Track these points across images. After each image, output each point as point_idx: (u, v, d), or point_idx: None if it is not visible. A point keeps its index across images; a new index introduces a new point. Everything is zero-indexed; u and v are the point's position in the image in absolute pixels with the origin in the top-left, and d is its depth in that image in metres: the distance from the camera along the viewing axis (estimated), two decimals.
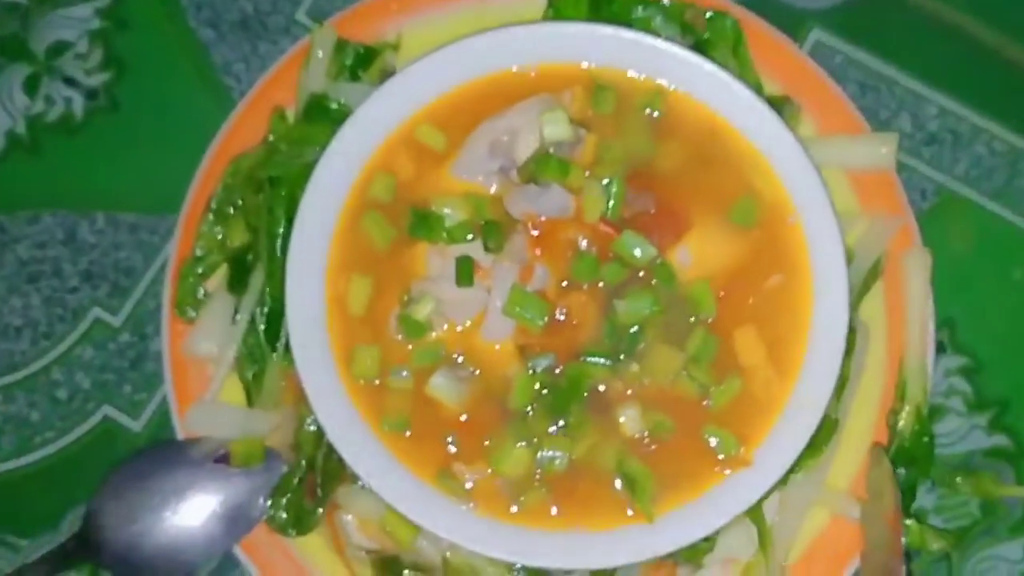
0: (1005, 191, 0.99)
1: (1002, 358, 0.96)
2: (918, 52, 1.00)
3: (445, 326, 0.82)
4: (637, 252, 0.81)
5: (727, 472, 0.80)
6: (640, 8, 0.91)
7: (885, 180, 0.92)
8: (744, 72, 0.91)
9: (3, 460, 0.93)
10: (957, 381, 0.95)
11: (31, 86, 1.00)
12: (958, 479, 0.92)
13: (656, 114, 0.85)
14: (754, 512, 0.85)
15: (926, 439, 0.88)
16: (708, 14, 0.92)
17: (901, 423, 0.88)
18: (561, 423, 0.81)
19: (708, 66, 0.85)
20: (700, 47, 0.90)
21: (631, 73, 0.86)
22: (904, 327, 0.90)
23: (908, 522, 0.86)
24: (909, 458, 0.88)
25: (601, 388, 0.81)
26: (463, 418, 0.82)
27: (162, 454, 0.86)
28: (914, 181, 0.98)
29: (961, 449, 0.94)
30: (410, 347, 0.82)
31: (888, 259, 0.91)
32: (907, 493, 0.88)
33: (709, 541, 0.85)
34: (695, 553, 0.85)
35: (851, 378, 0.88)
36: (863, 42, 1.01)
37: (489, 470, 0.80)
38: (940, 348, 0.95)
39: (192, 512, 0.85)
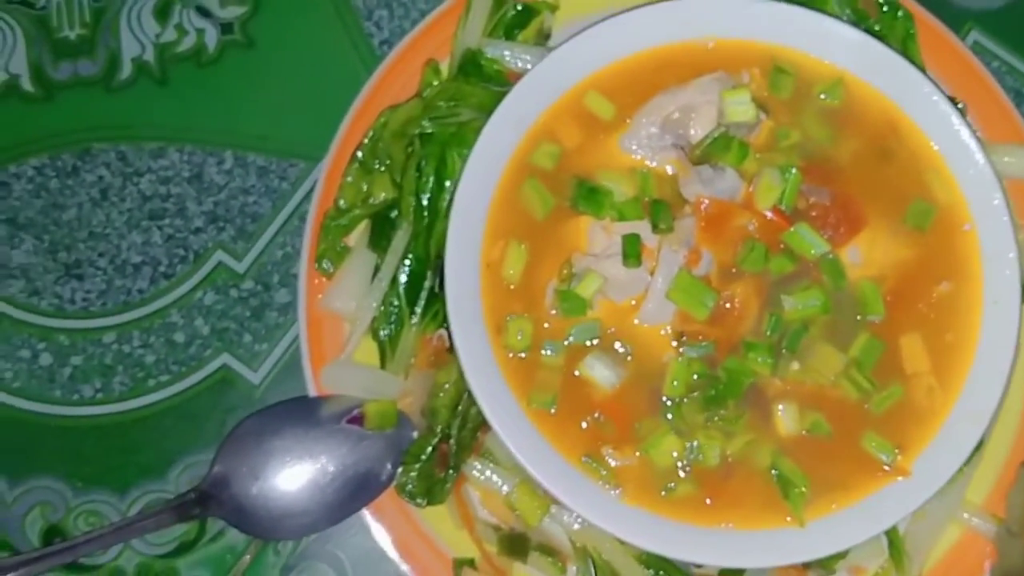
0: None
1: None
2: None
3: (601, 305, 0.80)
4: (809, 245, 0.78)
5: (884, 481, 0.78)
6: None
7: None
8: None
9: (113, 402, 0.90)
10: None
11: (162, 13, 0.96)
12: None
13: (835, 102, 0.82)
14: None
15: None
16: (882, 4, 0.89)
17: None
18: (717, 416, 0.78)
19: (893, 55, 0.81)
20: (873, 35, 0.87)
21: (812, 55, 0.82)
22: None
23: None
24: None
25: (759, 384, 0.79)
26: (613, 401, 0.79)
27: (292, 411, 0.83)
28: None
29: None
30: (564, 323, 0.79)
31: None
32: None
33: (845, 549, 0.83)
34: (830, 559, 0.83)
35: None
36: (1021, 47, 0.98)
37: (638, 454, 0.78)
38: None
39: (321, 474, 0.82)
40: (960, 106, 0.90)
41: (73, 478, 0.88)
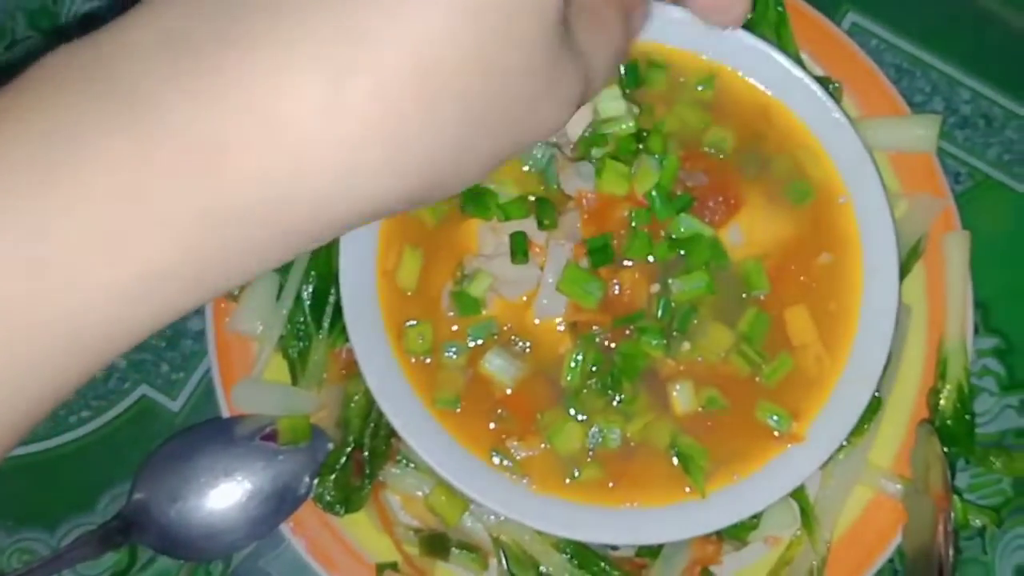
0: None
1: None
2: (952, 37, 1.01)
3: (496, 303, 0.82)
4: (690, 230, 0.81)
5: (779, 448, 0.80)
6: None
7: (926, 162, 0.93)
8: (787, 52, 0.91)
9: (37, 440, 0.91)
10: (990, 362, 0.96)
11: None
12: (991, 458, 0.93)
13: (709, 92, 0.85)
14: (797, 490, 0.86)
15: (967, 417, 0.89)
16: None
17: (943, 402, 0.89)
18: (614, 400, 0.81)
19: (760, 45, 0.85)
20: (745, 26, 0.90)
21: (683, 50, 0.86)
22: (944, 307, 0.91)
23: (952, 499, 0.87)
24: (951, 436, 0.88)
25: (653, 366, 0.81)
26: (514, 395, 0.81)
27: (207, 432, 0.85)
28: (948, 165, 0.99)
29: (994, 429, 0.95)
30: (458, 325, 0.82)
31: (928, 241, 0.92)
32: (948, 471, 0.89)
33: (754, 519, 0.86)
34: (740, 530, 0.86)
35: (892, 358, 0.89)
36: (897, 26, 1.02)
37: (543, 445, 0.80)
38: (974, 330, 0.96)
39: (239, 491, 0.84)
40: (836, 85, 0.94)
41: (3, 518, 0.90)
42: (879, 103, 0.95)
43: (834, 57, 0.95)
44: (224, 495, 0.83)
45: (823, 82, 0.92)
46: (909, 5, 1.02)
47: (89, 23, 0.99)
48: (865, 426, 0.87)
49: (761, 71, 0.86)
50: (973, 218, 0.96)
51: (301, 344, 0.87)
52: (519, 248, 0.80)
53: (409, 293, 0.82)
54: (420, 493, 0.86)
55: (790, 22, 0.93)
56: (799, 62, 0.92)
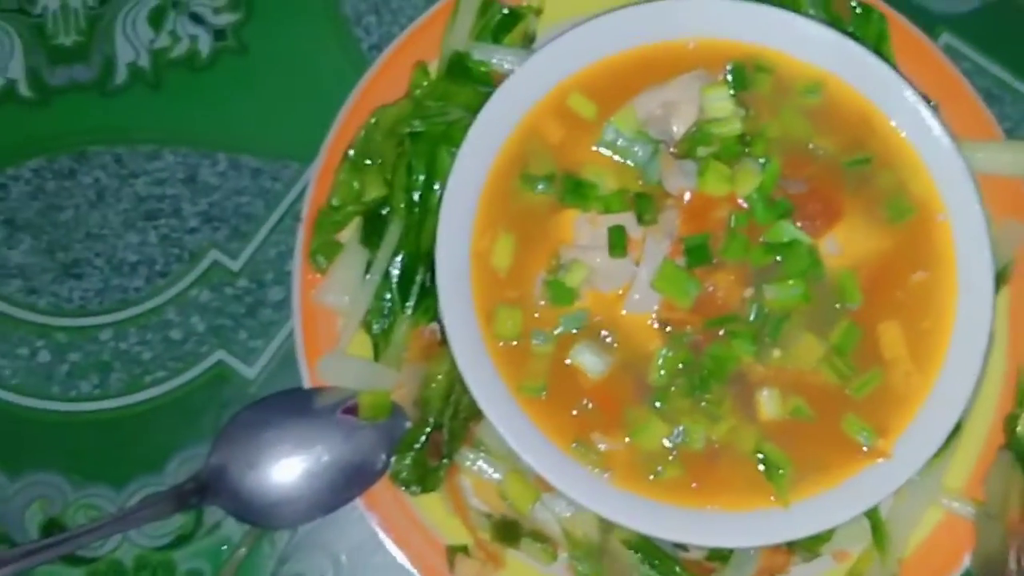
0: None
1: None
2: None
3: (588, 295, 0.82)
4: (789, 236, 0.81)
5: (865, 462, 0.80)
6: None
7: (1016, 188, 0.93)
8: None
9: (110, 397, 0.91)
10: None
11: (156, 19, 0.98)
12: None
13: (814, 100, 0.85)
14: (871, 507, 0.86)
15: None
16: (856, 6, 0.92)
17: (1020, 427, 0.89)
18: (701, 401, 0.80)
19: (868, 56, 0.85)
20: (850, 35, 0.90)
21: (790, 55, 0.85)
22: None
23: None
24: None
25: (742, 370, 0.81)
26: (600, 388, 0.81)
27: (288, 402, 0.85)
28: None
29: None
30: (553, 312, 0.81)
31: (1014, 267, 0.91)
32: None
33: (829, 531, 0.86)
34: (814, 542, 0.86)
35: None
36: (990, 50, 1.02)
37: (626, 440, 0.80)
38: None
39: (316, 463, 0.83)
40: (933, 104, 0.93)
41: (71, 473, 0.90)
42: (973, 126, 0.95)
43: (931, 76, 0.94)
44: (301, 465, 0.83)
45: (925, 101, 0.92)
46: (1003, 30, 1.02)
47: None
48: (944, 448, 0.86)
49: (867, 84, 0.85)
50: None
51: (385, 321, 0.87)
52: (618, 241, 0.80)
53: (502, 277, 0.82)
54: (494, 479, 0.85)
55: (891, 38, 0.93)
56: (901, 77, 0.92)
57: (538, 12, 0.93)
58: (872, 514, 0.86)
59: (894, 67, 0.92)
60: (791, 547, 0.86)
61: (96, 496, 0.89)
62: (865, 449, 0.80)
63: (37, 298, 0.93)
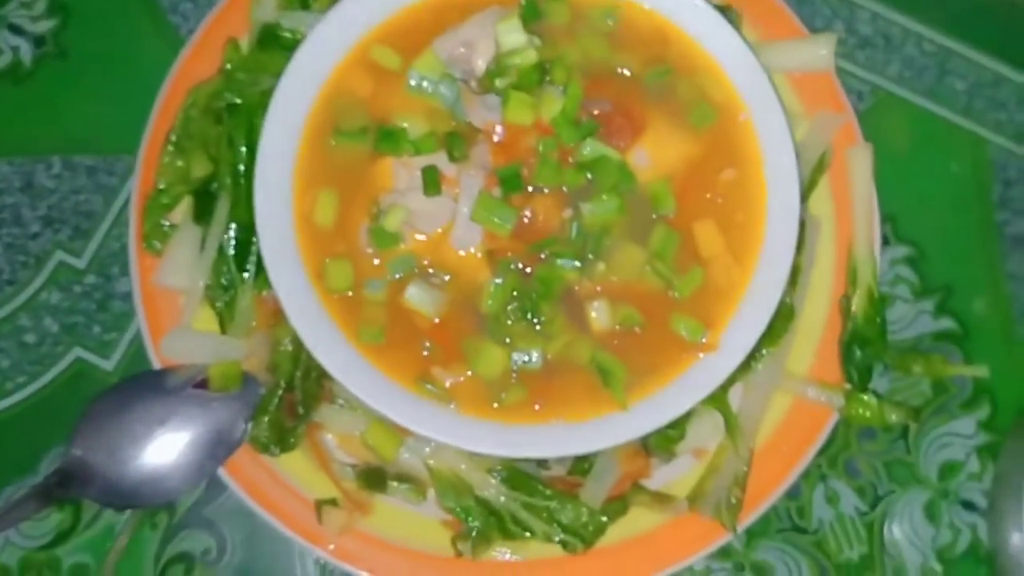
0: (937, 89, 1.04)
1: (943, 246, 1.01)
2: None
3: (415, 237, 0.84)
4: (598, 155, 0.84)
5: (694, 358, 0.83)
6: None
7: (825, 80, 0.96)
8: None
9: None
10: (902, 270, 1.00)
11: None
12: (910, 362, 0.97)
13: (611, 23, 0.88)
14: (720, 402, 0.89)
15: (878, 320, 0.92)
16: None
17: (854, 307, 0.92)
18: (535, 323, 0.83)
19: None
20: None
21: None
22: (851, 217, 0.94)
23: (866, 397, 0.90)
24: (863, 340, 0.92)
25: (570, 288, 0.84)
26: (437, 325, 0.83)
27: (140, 384, 0.87)
28: (850, 84, 1.02)
29: (910, 334, 0.99)
30: (380, 260, 0.84)
31: (832, 155, 0.95)
32: (863, 373, 0.92)
33: (679, 430, 0.89)
34: (666, 443, 0.89)
35: (804, 269, 0.92)
36: None
37: (468, 372, 0.82)
38: (884, 241, 0.99)
39: (175, 439, 0.85)
40: (732, 12, 0.96)
41: None
42: (778, 27, 0.98)
43: None
44: (161, 444, 0.85)
45: (723, 10, 0.95)
46: None
47: None
48: (781, 335, 0.90)
49: (661, 1, 0.88)
50: (878, 134, 0.99)
51: (227, 293, 0.89)
52: (431, 180, 0.82)
53: (327, 233, 0.84)
54: (356, 431, 0.88)
55: None
56: None
57: None
58: (723, 408, 0.89)
59: None
60: (647, 451, 0.89)
61: None
62: (691, 345, 0.83)
63: None
